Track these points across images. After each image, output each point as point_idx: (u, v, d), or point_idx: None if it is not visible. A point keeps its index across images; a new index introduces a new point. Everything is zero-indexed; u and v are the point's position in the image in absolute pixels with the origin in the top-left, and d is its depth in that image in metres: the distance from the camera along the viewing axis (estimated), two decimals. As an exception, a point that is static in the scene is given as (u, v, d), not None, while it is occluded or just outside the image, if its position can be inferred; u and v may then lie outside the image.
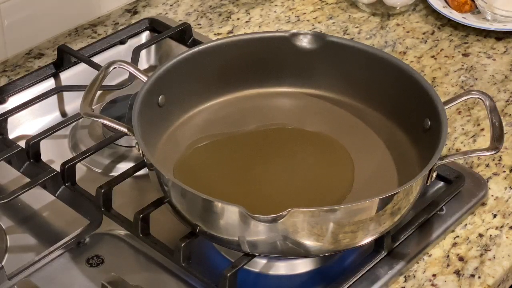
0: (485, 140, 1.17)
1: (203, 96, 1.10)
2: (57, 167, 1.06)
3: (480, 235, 1.04)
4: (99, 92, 1.12)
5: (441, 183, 1.09)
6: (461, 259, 1.01)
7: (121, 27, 1.35)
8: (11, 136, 1.15)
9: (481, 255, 1.01)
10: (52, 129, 1.12)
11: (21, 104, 1.16)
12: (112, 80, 1.25)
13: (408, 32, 1.38)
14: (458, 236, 1.04)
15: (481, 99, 1.01)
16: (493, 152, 0.95)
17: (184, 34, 1.30)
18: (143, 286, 0.92)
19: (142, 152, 0.93)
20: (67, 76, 1.24)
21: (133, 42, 1.31)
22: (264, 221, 0.86)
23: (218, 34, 1.36)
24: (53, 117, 1.21)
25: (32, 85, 1.21)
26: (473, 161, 1.14)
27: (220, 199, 0.88)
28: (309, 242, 0.90)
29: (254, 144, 1.07)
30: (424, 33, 1.38)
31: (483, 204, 1.08)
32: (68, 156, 1.10)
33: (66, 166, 1.05)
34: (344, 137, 1.07)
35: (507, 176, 1.12)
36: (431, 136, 0.98)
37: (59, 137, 1.16)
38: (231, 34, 1.35)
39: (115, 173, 1.10)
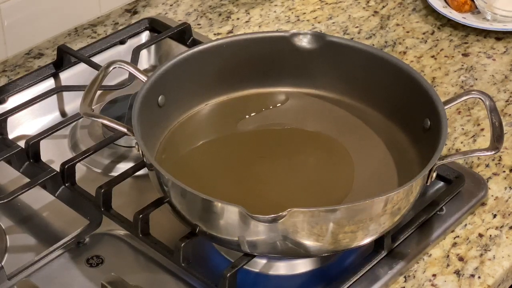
0: (485, 140, 1.17)
1: (203, 96, 1.10)
2: (57, 167, 1.06)
3: (480, 235, 1.04)
4: (99, 92, 1.12)
5: (441, 183, 1.09)
6: (461, 259, 1.01)
7: (121, 27, 1.35)
8: (11, 136, 1.15)
9: (481, 255, 1.01)
10: (52, 129, 1.12)
11: (21, 104, 1.16)
12: (112, 80, 1.25)
13: (408, 32, 1.38)
14: (458, 236, 1.04)
15: (481, 99, 1.01)
16: (493, 152, 0.95)
17: (184, 34, 1.30)
18: (143, 286, 0.92)
19: (142, 152, 0.93)
20: (67, 76, 1.24)
21: (133, 42, 1.31)
22: (264, 221, 0.86)
23: (218, 34, 1.36)
24: (53, 117, 1.21)
25: (32, 85, 1.21)
26: (473, 161, 1.14)
27: (220, 199, 0.88)
28: (309, 242, 0.90)
29: (254, 144, 1.07)
30: (424, 33, 1.38)
31: (483, 204, 1.08)
32: (68, 156, 1.10)
33: (66, 166, 1.05)
34: (344, 137, 1.07)
35: (507, 176, 1.12)
36: (431, 136, 0.98)
37: (59, 137, 1.16)
38: (231, 34, 1.35)
39: (115, 173, 1.10)
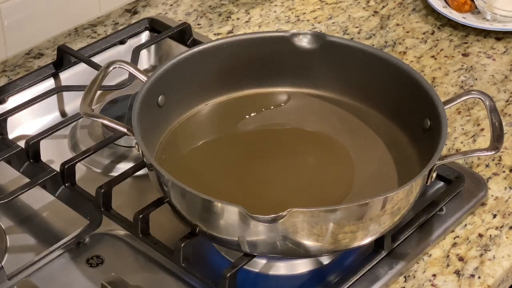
0: (485, 140, 1.17)
1: (203, 96, 1.10)
2: (57, 167, 1.06)
3: (480, 235, 1.04)
4: (99, 92, 1.12)
5: (441, 183, 1.09)
6: (461, 259, 1.01)
7: (121, 27, 1.35)
8: (11, 136, 1.15)
9: (481, 255, 1.01)
10: (52, 129, 1.12)
11: (21, 104, 1.16)
12: (112, 80, 1.25)
13: (408, 32, 1.38)
14: (458, 236, 1.04)
15: (481, 99, 1.01)
16: (493, 152, 0.95)
17: (184, 34, 1.30)
18: (143, 286, 0.92)
19: (142, 152, 0.93)
20: (67, 76, 1.24)
21: (133, 42, 1.31)
22: (264, 221, 0.86)
23: (218, 34, 1.36)
24: (53, 117, 1.21)
25: (32, 85, 1.21)
26: (473, 161, 1.14)
27: (220, 199, 0.88)
28: (309, 242, 0.90)
29: (254, 144, 1.07)
30: (424, 33, 1.38)
31: (483, 204, 1.08)
32: (68, 156, 1.10)
33: (66, 166, 1.05)
34: (344, 137, 1.07)
35: (507, 176, 1.12)
36: (431, 136, 0.98)
37: (59, 137, 1.16)
38: (231, 34, 1.35)
39: (115, 173, 1.10)
